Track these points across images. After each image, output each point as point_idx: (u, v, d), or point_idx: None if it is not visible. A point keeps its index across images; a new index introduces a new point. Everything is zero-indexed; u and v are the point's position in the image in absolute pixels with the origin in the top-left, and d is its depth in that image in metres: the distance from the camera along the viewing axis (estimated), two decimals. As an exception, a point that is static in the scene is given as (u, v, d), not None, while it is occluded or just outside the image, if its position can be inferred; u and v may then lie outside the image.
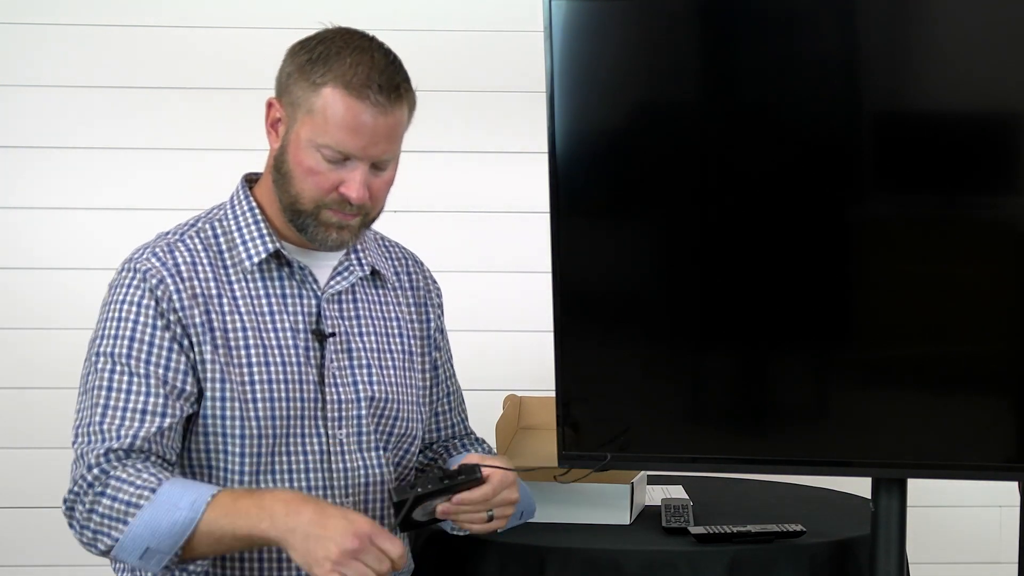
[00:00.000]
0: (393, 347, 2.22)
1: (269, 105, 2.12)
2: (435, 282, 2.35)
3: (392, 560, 1.92)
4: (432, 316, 2.31)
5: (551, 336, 2.18)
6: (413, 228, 3.38)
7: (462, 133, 3.40)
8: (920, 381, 2.12)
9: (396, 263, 2.30)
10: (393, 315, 2.24)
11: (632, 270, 2.19)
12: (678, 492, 2.63)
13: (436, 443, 2.36)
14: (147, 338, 2.05)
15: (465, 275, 3.39)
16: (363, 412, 2.14)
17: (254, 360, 2.08)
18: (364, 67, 2.05)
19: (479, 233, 3.42)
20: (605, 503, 2.40)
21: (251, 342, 2.08)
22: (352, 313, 2.18)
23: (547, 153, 2.14)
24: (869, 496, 2.16)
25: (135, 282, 2.07)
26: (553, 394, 2.21)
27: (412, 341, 2.26)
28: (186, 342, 2.06)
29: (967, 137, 2.06)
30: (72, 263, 3.42)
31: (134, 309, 2.06)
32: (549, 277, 2.17)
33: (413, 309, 2.28)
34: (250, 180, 2.20)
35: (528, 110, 3.32)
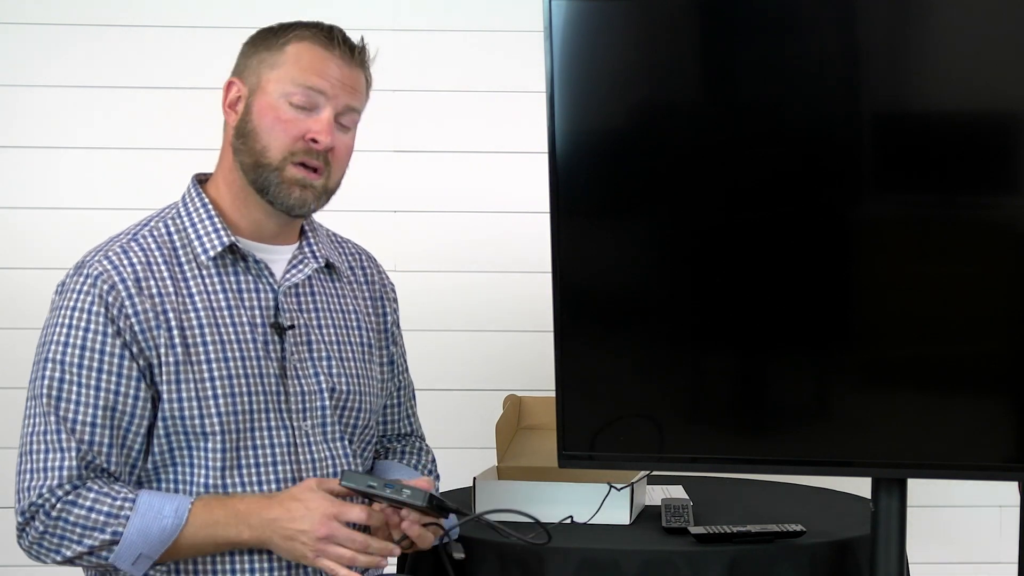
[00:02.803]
0: (352, 339, 2.22)
1: (229, 85, 2.15)
2: (388, 278, 2.36)
3: (364, 522, 2.02)
4: (388, 310, 2.32)
5: (551, 336, 2.18)
6: (413, 228, 3.39)
7: (462, 133, 3.39)
8: (920, 381, 2.12)
9: (350, 258, 2.31)
10: (351, 308, 2.24)
11: (632, 270, 2.19)
12: (678, 492, 2.63)
13: (380, 438, 2.36)
14: (98, 345, 2.04)
15: (465, 275, 3.39)
16: (327, 403, 2.15)
17: (212, 356, 2.07)
18: (326, 28, 2.13)
19: (479, 233, 3.41)
20: (605, 503, 2.39)
21: (208, 338, 2.08)
22: (310, 306, 2.18)
23: (547, 153, 2.14)
24: (869, 496, 2.16)
25: (85, 287, 2.06)
26: (553, 394, 2.21)
27: (370, 334, 2.26)
28: (135, 348, 2.05)
29: (967, 137, 2.06)
30: (72, 263, 3.41)
31: (84, 316, 2.05)
32: (549, 277, 2.17)
33: (369, 303, 2.29)
34: (201, 180, 2.21)
35: (528, 110, 3.31)
